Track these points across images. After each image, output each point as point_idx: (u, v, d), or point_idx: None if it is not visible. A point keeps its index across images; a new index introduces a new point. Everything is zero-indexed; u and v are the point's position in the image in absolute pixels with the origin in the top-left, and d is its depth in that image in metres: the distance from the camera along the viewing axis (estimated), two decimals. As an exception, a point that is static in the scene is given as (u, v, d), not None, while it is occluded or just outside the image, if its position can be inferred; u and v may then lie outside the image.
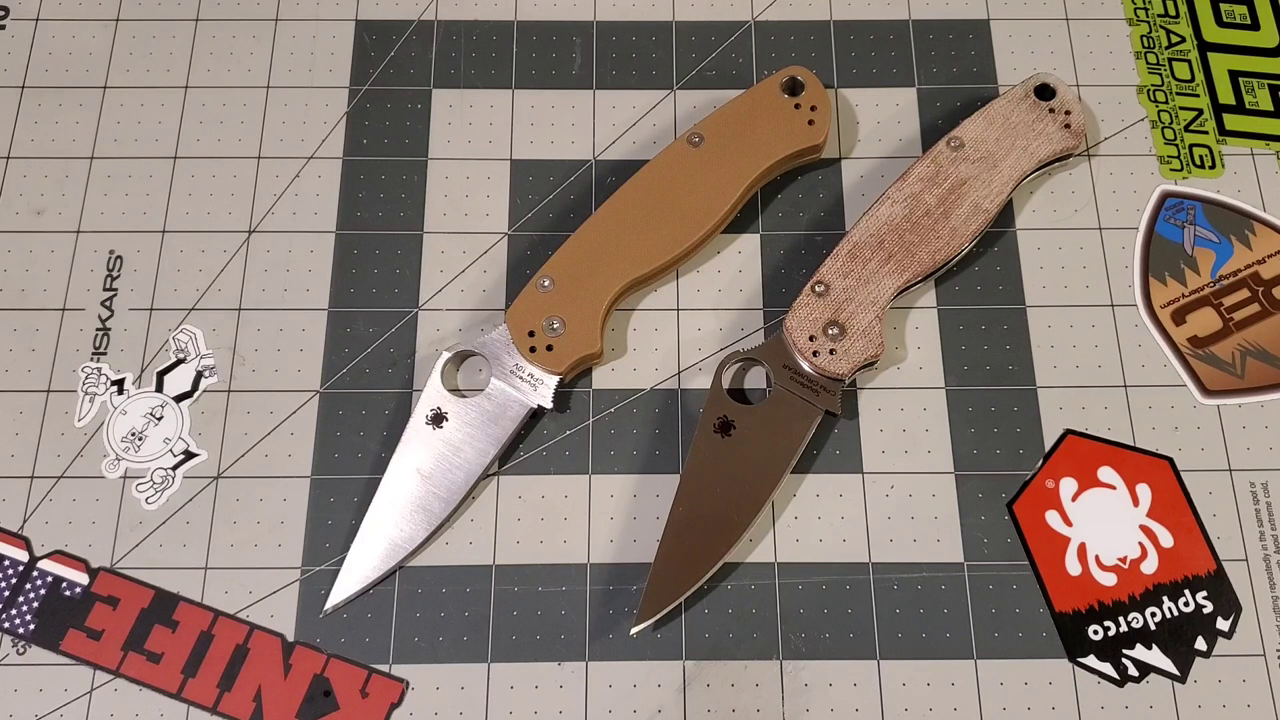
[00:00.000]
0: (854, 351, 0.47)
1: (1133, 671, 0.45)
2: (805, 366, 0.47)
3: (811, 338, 0.47)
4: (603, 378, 0.49)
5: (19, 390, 0.49)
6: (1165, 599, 0.46)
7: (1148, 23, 0.56)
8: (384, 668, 0.45)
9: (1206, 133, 0.54)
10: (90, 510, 0.47)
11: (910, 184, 0.50)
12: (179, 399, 0.49)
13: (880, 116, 0.54)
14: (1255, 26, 0.56)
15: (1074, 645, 0.45)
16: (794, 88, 0.52)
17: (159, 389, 0.49)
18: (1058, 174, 0.53)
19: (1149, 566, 0.46)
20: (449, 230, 0.52)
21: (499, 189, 0.53)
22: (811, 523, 0.47)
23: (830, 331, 0.47)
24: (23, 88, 0.54)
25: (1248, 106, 0.54)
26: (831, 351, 0.47)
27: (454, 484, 0.46)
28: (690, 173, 0.50)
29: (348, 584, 0.45)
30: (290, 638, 0.45)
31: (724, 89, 0.54)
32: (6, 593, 0.46)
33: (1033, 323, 0.50)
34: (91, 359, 0.49)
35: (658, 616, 0.44)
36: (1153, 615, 0.45)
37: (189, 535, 0.47)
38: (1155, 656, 0.45)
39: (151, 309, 0.50)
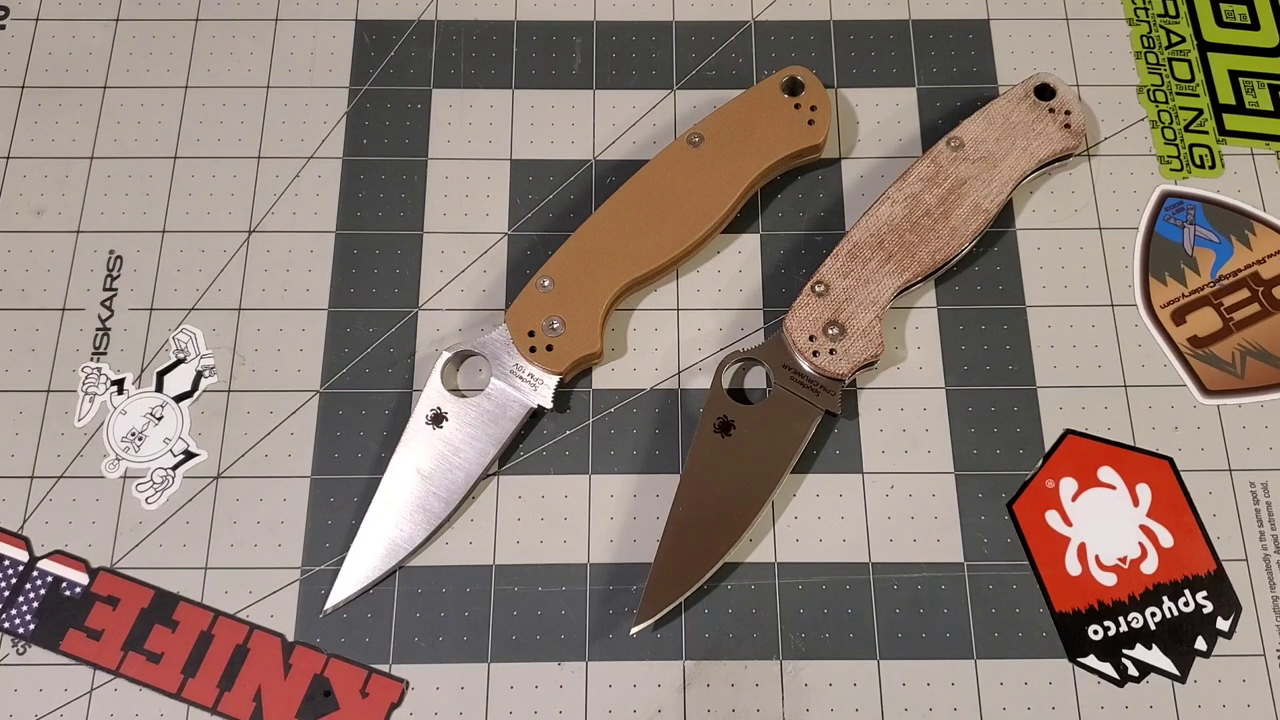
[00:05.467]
0: (854, 351, 0.47)
1: (1133, 671, 0.45)
2: (805, 366, 0.47)
3: (811, 338, 0.47)
4: (603, 378, 0.49)
5: (19, 390, 0.49)
6: (1165, 599, 0.46)
7: (1148, 23, 0.56)
8: (384, 668, 0.45)
9: (1206, 133, 0.54)
10: (90, 510, 0.47)
11: (910, 184, 0.50)
12: (179, 399, 0.49)
13: (880, 116, 0.54)
14: (1255, 26, 0.56)
15: (1074, 645, 0.45)
16: (794, 88, 0.52)
17: (159, 389, 0.49)
18: (1058, 174, 0.53)
19: (1149, 566, 0.46)
20: (449, 230, 0.52)
21: (499, 189, 0.53)
22: (811, 523, 0.47)
23: (830, 331, 0.47)
24: (23, 88, 0.54)
25: (1248, 106, 0.54)
26: (831, 351, 0.47)
27: (454, 484, 0.46)
28: (690, 173, 0.50)
29: (348, 584, 0.45)
30: (290, 638, 0.45)
31: (724, 89, 0.54)
32: (6, 593, 0.46)
33: (1033, 323, 0.50)
34: (91, 359, 0.49)
35: (658, 616, 0.44)
36: (1153, 615, 0.45)
37: (189, 535, 0.47)
38: (1155, 656, 0.45)
39: (151, 309, 0.50)
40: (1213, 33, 0.56)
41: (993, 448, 0.48)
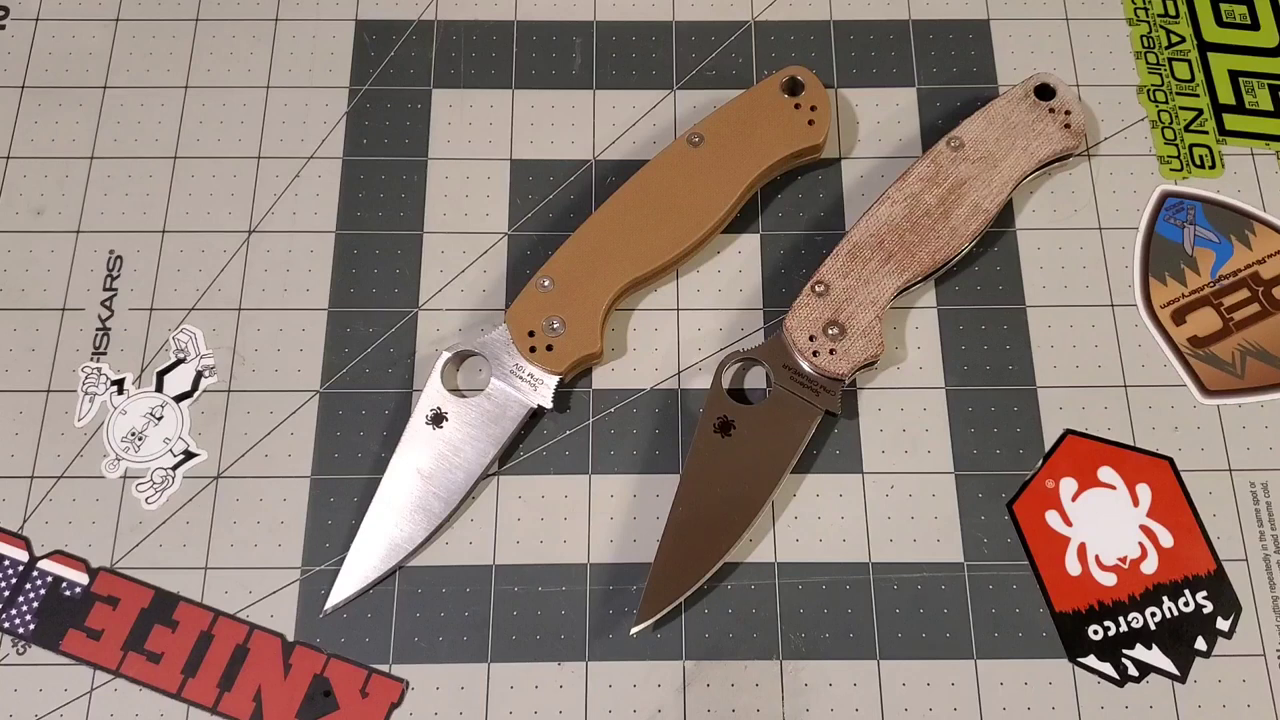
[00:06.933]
0: (854, 351, 0.47)
1: (1133, 671, 0.45)
2: (805, 366, 0.47)
3: (811, 338, 0.47)
4: (603, 378, 0.49)
5: (19, 390, 0.49)
6: (1165, 599, 0.46)
7: (1148, 23, 0.56)
8: (384, 668, 0.45)
9: (1206, 133, 0.54)
10: (90, 510, 0.47)
11: (910, 184, 0.50)
12: (179, 399, 0.49)
13: (880, 116, 0.54)
14: (1255, 26, 0.56)
15: (1074, 645, 0.45)
16: (794, 88, 0.52)
17: (159, 389, 0.49)
18: (1058, 174, 0.53)
19: (1149, 566, 0.46)
20: (449, 230, 0.52)
21: (499, 189, 0.53)
22: (811, 523, 0.47)
23: (830, 331, 0.47)
24: (23, 88, 0.54)
25: (1248, 106, 0.54)
26: (831, 351, 0.47)
27: (454, 484, 0.46)
28: (690, 173, 0.50)
29: (348, 584, 0.45)
30: (290, 638, 0.45)
31: (724, 89, 0.54)
32: (6, 593, 0.46)
33: (1033, 323, 0.50)
34: (91, 359, 0.49)
35: (658, 616, 0.44)
36: (1153, 615, 0.45)
37: (189, 535, 0.47)
38: (1155, 656, 0.45)
39: (151, 309, 0.50)
40: (1213, 33, 0.56)
41: (993, 448, 0.48)
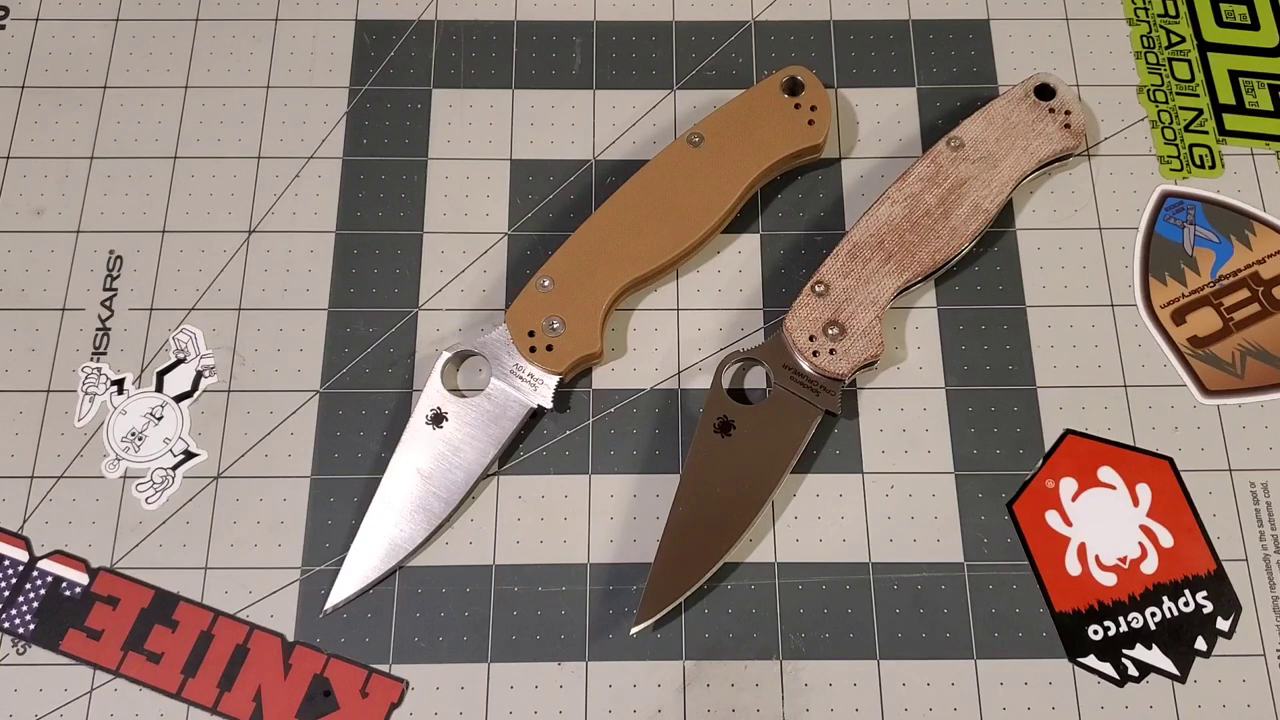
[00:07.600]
0: (854, 351, 0.47)
1: (1133, 671, 0.45)
2: (805, 366, 0.47)
3: (811, 338, 0.47)
4: (603, 378, 0.49)
5: (19, 390, 0.49)
6: (1165, 599, 0.46)
7: (1148, 23, 0.56)
8: (384, 668, 0.45)
9: (1206, 133, 0.54)
10: (90, 510, 0.47)
11: (910, 184, 0.50)
12: (179, 399, 0.49)
13: (880, 116, 0.54)
14: (1255, 26, 0.56)
15: (1074, 645, 0.45)
16: (794, 88, 0.52)
17: (159, 389, 0.49)
18: (1058, 174, 0.53)
19: (1149, 566, 0.46)
20: (449, 230, 0.52)
21: (499, 189, 0.53)
22: (811, 523, 0.47)
23: (830, 331, 0.47)
24: (23, 88, 0.54)
25: (1248, 106, 0.54)
26: (831, 351, 0.47)
27: (454, 484, 0.46)
28: (690, 173, 0.50)
29: (348, 584, 0.45)
30: (290, 638, 0.45)
31: (724, 89, 0.54)
32: (6, 593, 0.46)
33: (1033, 323, 0.50)
34: (91, 359, 0.49)
35: (658, 616, 0.44)
36: (1153, 615, 0.45)
37: (189, 535, 0.47)
38: (1155, 656, 0.45)
39: (151, 309, 0.50)
40: (1213, 33, 0.56)
41: (993, 448, 0.48)
